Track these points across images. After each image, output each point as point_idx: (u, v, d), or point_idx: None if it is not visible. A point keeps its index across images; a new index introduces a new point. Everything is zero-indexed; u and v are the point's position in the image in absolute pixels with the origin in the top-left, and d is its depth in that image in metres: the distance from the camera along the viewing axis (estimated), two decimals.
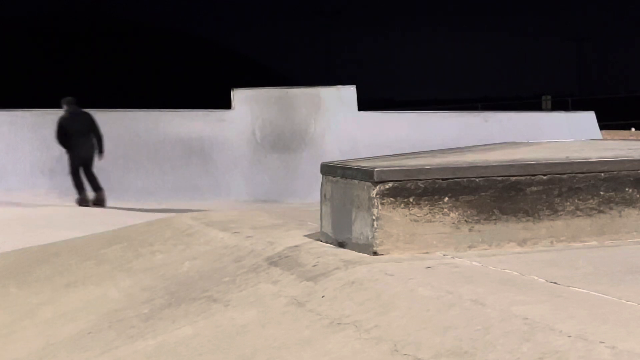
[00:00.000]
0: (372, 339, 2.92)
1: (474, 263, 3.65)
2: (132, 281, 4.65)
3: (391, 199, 3.88)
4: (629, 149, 4.89)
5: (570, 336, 2.49)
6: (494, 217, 4.00)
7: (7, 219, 9.79)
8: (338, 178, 4.23)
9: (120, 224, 6.81)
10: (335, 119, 14.04)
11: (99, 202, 11.77)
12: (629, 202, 4.20)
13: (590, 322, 2.62)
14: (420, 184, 3.91)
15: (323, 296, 3.46)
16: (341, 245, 4.16)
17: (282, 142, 13.60)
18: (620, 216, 4.17)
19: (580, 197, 4.12)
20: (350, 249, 4.05)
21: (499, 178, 4.02)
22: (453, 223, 3.94)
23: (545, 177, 4.08)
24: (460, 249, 3.93)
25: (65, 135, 11.82)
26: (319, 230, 4.50)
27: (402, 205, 3.89)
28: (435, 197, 3.93)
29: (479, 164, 4.12)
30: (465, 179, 3.98)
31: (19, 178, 12.37)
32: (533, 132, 13.86)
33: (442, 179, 3.95)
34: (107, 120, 13.15)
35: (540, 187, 4.07)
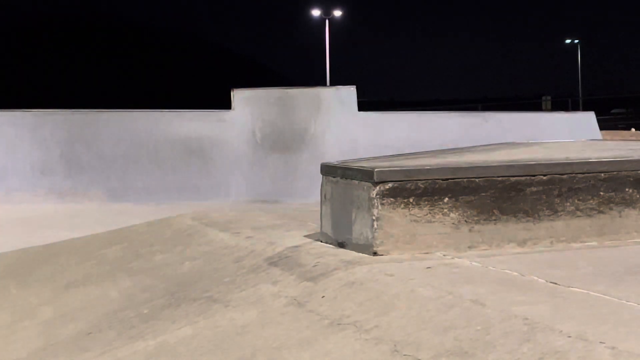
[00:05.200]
0: (372, 339, 2.92)
1: (474, 263, 3.65)
2: (132, 281, 4.65)
3: (391, 199, 3.88)
4: (629, 150, 4.90)
5: (570, 336, 2.49)
6: (494, 218, 4.00)
7: (7, 219, 9.79)
8: (338, 178, 4.23)
9: (120, 224, 6.81)
10: (335, 119, 14.04)
11: None
12: (629, 203, 4.20)
13: (590, 323, 2.62)
14: (420, 184, 3.91)
15: (323, 296, 3.46)
16: (341, 245, 4.16)
17: (282, 142, 13.59)
18: (620, 216, 4.18)
19: (580, 198, 4.12)
20: (351, 250, 4.05)
21: (499, 178, 4.03)
22: (453, 223, 3.94)
23: (545, 178, 4.08)
24: (460, 250, 3.93)
25: None
26: (319, 230, 4.50)
27: (402, 206, 3.89)
28: (435, 197, 3.93)
29: (479, 164, 4.12)
30: (465, 179, 3.98)
31: (19, 178, 12.36)
32: (533, 132, 13.86)
33: (442, 179, 3.95)
34: (107, 120, 13.15)
35: (540, 188, 4.07)
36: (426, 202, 3.92)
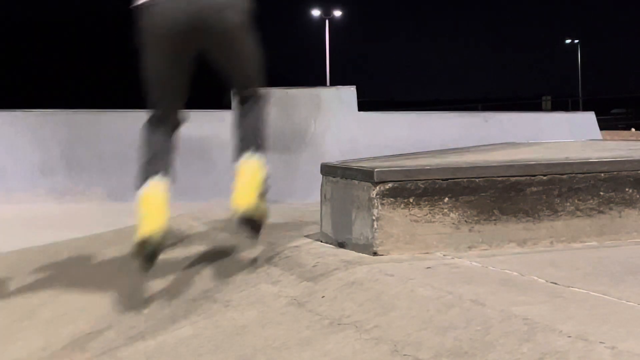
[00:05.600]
0: (372, 339, 2.92)
1: (474, 263, 3.65)
2: (132, 281, 4.65)
3: (391, 199, 3.88)
4: (629, 150, 4.90)
5: (570, 336, 2.49)
6: (494, 218, 4.00)
7: (7, 219, 9.79)
8: (338, 178, 4.23)
9: (120, 224, 6.80)
10: (335, 119, 14.02)
11: None
12: (629, 203, 4.20)
13: (590, 323, 2.62)
14: (420, 184, 3.91)
15: (323, 296, 3.46)
16: (341, 245, 4.16)
17: (282, 142, 13.58)
18: (620, 217, 4.18)
19: (580, 198, 4.12)
20: (351, 250, 4.05)
21: (499, 178, 4.03)
22: (453, 223, 3.94)
23: (545, 178, 4.08)
24: (460, 249, 3.93)
25: None
26: (319, 230, 4.50)
27: (402, 206, 3.89)
28: (435, 197, 3.93)
29: (479, 164, 4.12)
30: (465, 180, 3.98)
31: (19, 178, 12.34)
32: (533, 132, 13.83)
33: (442, 180, 3.95)
34: (108, 120, 13.15)
35: (540, 188, 4.07)
36: (426, 202, 3.92)
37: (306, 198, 11.25)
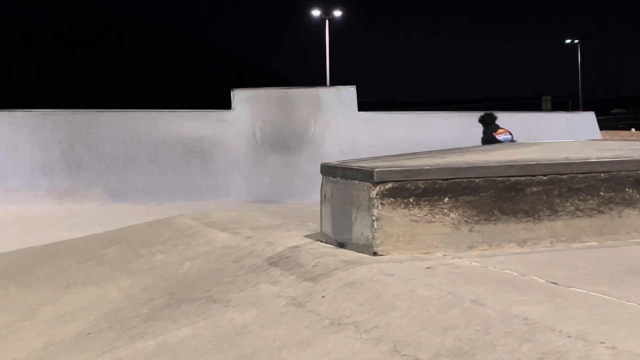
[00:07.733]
0: (372, 339, 2.92)
1: (474, 263, 3.65)
2: (132, 281, 4.65)
3: (391, 199, 3.88)
4: (629, 150, 4.89)
5: (570, 336, 2.49)
6: (494, 218, 4.00)
7: (7, 219, 9.80)
8: (338, 178, 4.23)
9: (120, 224, 6.81)
10: (335, 119, 14.03)
11: None
12: (629, 203, 4.20)
13: (590, 323, 2.62)
14: (420, 184, 3.91)
15: (323, 296, 3.46)
16: (341, 245, 4.16)
17: (282, 142, 13.60)
18: (620, 216, 4.18)
19: (580, 198, 4.12)
20: (350, 250, 4.05)
21: (499, 178, 4.02)
22: (453, 223, 3.94)
23: (545, 178, 4.08)
24: (460, 250, 3.93)
25: None
26: (319, 230, 4.50)
27: (402, 206, 3.89)
28: (435, 197, 3.93)
29: (479, 165, 4.12)
30: (465, 180, 3.98)
31: (19, 178, 12.37)
32: (533, 132, 13.86)
33: (442, 180, 3.95)
34: (107, 120, 13.16)
35: (540, 188, 4.07)
36: (426, 202, 3.92)
37: (306, 198, 11.28)
